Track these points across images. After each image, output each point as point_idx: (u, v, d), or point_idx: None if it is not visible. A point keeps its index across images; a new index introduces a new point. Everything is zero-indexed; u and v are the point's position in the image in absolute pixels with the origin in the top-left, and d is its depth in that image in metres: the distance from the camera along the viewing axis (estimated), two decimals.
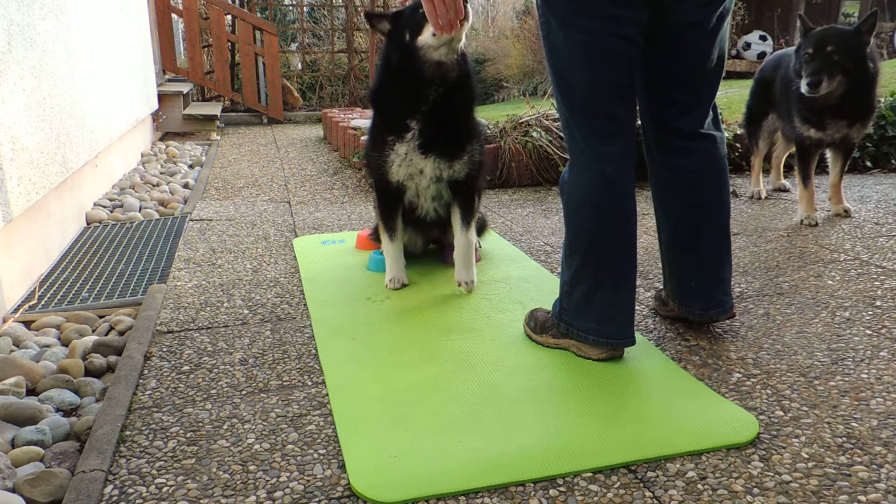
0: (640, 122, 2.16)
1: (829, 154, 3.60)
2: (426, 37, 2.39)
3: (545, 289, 2.65)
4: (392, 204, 2.70)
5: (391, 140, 2.56)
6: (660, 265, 2.32)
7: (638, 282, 2.55)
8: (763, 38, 10.03)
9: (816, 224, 3.40)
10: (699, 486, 1.50)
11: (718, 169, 2.14)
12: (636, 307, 2.36)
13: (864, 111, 3.30)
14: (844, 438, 1.65)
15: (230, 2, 8.61)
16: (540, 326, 2.19)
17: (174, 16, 7.69)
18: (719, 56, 2.05)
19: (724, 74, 2.12)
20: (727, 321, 2.31)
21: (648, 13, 1.89)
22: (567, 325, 2.08)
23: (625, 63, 1.92)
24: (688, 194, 2.14)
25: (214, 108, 7.43)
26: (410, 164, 2.57)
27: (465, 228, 2.66)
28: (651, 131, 2.14)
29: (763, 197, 4.03)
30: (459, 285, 2.66)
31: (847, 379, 1.93)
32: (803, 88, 3.13)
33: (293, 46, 10.63)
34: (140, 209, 4.08)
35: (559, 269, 2.29)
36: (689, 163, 2.12)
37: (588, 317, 2.03)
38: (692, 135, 2.10)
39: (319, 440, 1.70)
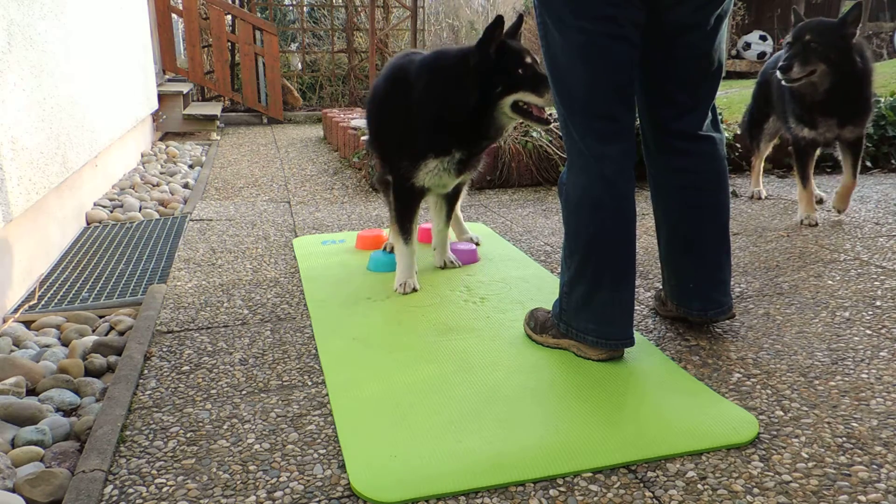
0: (639, 123, 2.16)
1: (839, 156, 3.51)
2: (508, 109, 2.41)
3: (545, 289, 2.65)
4: (410, 205, 2.67)
5: (429, 157, 2.55)
6: (660, 265, 2.32)
7: (638, 282, 2.55)
8: (763, 38, 10.04)
9: (816, 224, 3.40)
10: (699, 486, 1.50)
11: (718, 170, 2.14)
12: (636, 307, 2.37)
13: (854, 110, 3.23)
14: (844, 438, 1.65)
15: (230, 2, 8.61)
16: (540, 326, 2.19)
17: (174, 16, 7.69)
18: (718, 57, 2.05)
19: (723, 75, 2.12)
20: (727, 321, 2.31)
21: (646, 14, 1.89)
22: (567, 326, 2.08)
23: (623, 64, 1.92)
24: (687, 195, 2.14)
25: (214, 108, 7.43)
26: (440, 177, 2.61)
27: (446, 222, 2.96)
28: (650, 132, 2.14)
29: (763, 197, 4.03)
30: (444, 266, 2.93)
31: (847, 379, 1.93)
32: (778, 75, 3.11)
33: (293, 46, 10.63)
34: (140, 209, 4.08)
35: (559, 270, 2.29)
36: (688, 164, 2.11)
37: (587, 318, 2.03)
38: (691, 136, 2.10)
39: (319, 440, 1.70)
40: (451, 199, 2.89)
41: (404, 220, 2.67)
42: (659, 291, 2.43)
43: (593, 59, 1.89)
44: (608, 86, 1.92)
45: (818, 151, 3.52)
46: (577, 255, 2.02)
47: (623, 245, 2.00)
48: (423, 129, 2.52)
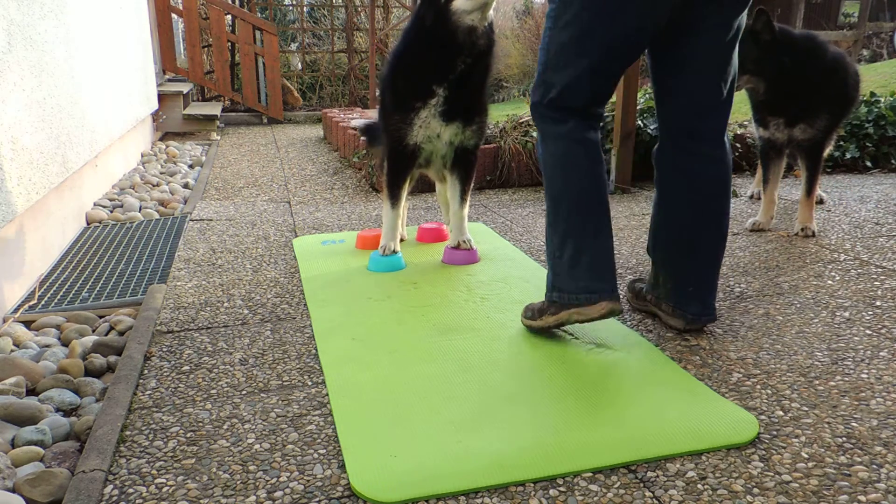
0: (655, 126, 2.19)
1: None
2: (460, 1, 2.50)
3: (545, 288, 2.64)
4: (401, 170, 2.85)
5: (416, 104, 2.68)
6: (651, 265, 2.32)
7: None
8: None
9: (764, 230, 3.33)
10: (699, 486, 1.50)
11: (725, 175, 2.18)
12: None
13: (804, 110, 3.13)
14: (844, 438, 1.65)
15: (230, 2, 8.61)
16: (537, 311, 2.21)
17: (174, 16, 7.68)
18: (734, 62, 2.07)
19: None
20: (727, 321, 2.31)
21: (670, 15, 1.93)
22: (560, 293, 2.11)
23: (633, 53, 2.04)
24: (694, 199, 2.16)
25: (214, 108, 7.43)
26: (429, 128, 2.73)
27: (461, 203, 2.97)
28: (665, 134, 2.18)
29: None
30: (459, 246, 2.97)
31: (847, 379, 1.93)
32: None
33: (293, 46, 10.63)
34: (140, 209, 4.08)
35: None
36: (699, 168, 2.15)
37: (579, 275, 2.07)
38: (707, 140, 2.13)
39: (319, 440, 1.70)
40: (462, 176, 2.92)
41: (394, 185, 2.87)
42: (633, 282, 2.45)
43: (607, 42, 1.96)
44: (611, 66, 2.02)
45: (784, 158, 3.37)
46: (562, 218, 2.08)
47: (599, 199, 2.08)
48: (404, 78, 2.73)
